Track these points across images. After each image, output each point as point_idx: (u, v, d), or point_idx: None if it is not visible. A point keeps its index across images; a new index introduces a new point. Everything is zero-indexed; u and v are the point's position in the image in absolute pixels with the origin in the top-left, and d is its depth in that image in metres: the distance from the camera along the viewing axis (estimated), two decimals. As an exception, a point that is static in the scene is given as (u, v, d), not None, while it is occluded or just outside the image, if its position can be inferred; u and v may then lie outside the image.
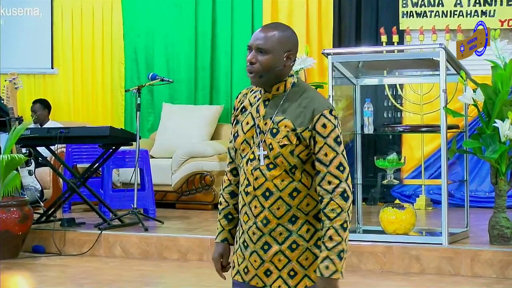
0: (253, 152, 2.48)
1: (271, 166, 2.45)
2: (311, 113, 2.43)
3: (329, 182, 2.40)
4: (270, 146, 2.45)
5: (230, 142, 2.62)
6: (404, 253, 5.34)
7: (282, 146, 2.43)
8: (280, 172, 2.44)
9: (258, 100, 2.53)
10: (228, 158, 2.66)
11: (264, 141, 2.46)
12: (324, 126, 2.42)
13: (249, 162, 2.48)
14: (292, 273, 2.48)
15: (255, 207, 2.48)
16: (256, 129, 2.49)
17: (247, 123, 2.52)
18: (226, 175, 2.67)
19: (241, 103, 2.59)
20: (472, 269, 5.17)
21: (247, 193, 2.49)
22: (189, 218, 7.22)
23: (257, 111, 2.51)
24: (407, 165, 7.49)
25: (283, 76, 2.49)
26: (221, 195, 2.69)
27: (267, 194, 2.45)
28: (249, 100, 2.57)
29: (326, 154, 2.41)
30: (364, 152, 6.43)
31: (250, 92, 2.60)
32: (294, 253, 2.48)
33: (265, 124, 2.48)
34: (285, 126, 2.44)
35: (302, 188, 2.46)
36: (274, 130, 2.45)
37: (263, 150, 2.45)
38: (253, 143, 2.49)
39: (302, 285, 2.49)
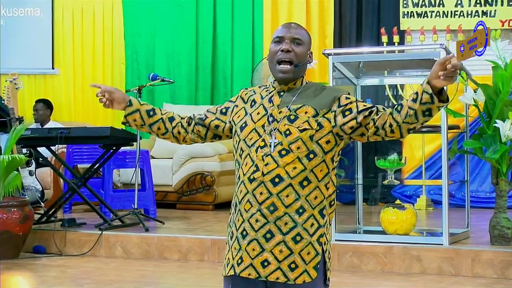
0: (263, 140, 2.49)
1: (283, 152, 2.46)
2: (331, 98, 2.53)
3: (383, 108, 2.47)
4: (287, 132, 2.48)
5: (209, 112, 2.69)
6: (404, 253, 5.34)
7: (302, 131, 2.47)
8: (293, 158, 2.46)
9: (270, 93, 2.59)
10: (198, 114, 2.71)
11: (277, 129, 2.49)
12: (347, 98, 2.53)
13: (259, 149, 2.49)
14: (293, 265, 2.46)
15: (261, 193, 2.46)
16: (268, 118, 2.52)
17: (258, 113, 2.55)
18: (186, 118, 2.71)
19: (250, 96, 2.62)
20: (472, 270, 5.17)
21: (252, 180, 2.47)
22: (189, 218, 7.22)
23: (270, 101, 2.56)
24: (407, 166, 7.50)
25: (303, 72, 2.59)
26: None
27: (277, 180, 2.45)
28: (260, 95, 2.61)
29: (364, 105, 2.50)
30: (365, 152, 6.43)
31: (259, 87, 2.66)
32: (298, 245, 2.46)
33: (280, 112, 2.52)
34: (306, 113, 2.50)
35: (313, 179, 2.47)
36: (292, 117, 2.50)
37: (275, 138, 2.48)
38: (264, 131, 2.51)
39: (301, 280, 2.47)
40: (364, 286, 5.05)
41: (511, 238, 5.31)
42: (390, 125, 2.42)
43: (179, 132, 2.69)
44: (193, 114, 2.72)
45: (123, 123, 2.71)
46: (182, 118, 2.70)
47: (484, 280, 5.06)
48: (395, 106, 2.43)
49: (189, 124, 2.69)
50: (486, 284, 4.96)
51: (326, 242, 2.54)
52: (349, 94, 2.56)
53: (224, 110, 2.66)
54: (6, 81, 7.40)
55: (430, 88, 2.35)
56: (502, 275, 5.10)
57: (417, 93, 2.37)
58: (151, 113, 2.67)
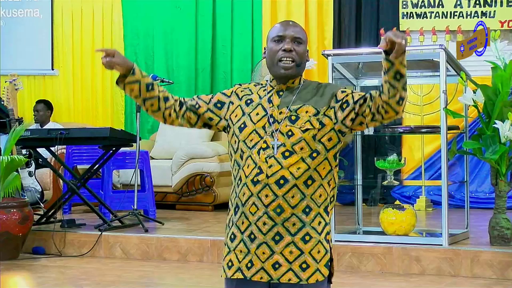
0: (265, 142, 2.48)
1: (286, 154, 2.45)
2: (330, 95, 2.52)
3: (376, 92, 2.45)
4: (289, 133, 2.46)
5: (201, 99, 2.64)
6: (404, 254, 5.34)
7: (304, 131, 2.46)
8: (297, 159, 2.45)
9: (268, 92, 2.57)
10: (189, 99, 2.65)
11: (279, 130, 2.48)
12: (343, 92, 2.52)
13: (261, 151, 2.47)
14: (304, 265, 2.45)
15: (266, 196, 2.44)
16: (268, 119, 2.50)
17: (257, 114, 2.53)
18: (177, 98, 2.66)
19: (245, 95, 2.59)
20: (472, 270, 5.17)
21: (256, 182, 2.46)
22: (189, 219, 7.22)
23: (270, 102, 2.54)
24: (407, 166, 7.50)
25: (302, 71, 2.57)
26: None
27: (282, 182, 2.44)
28: (257, 94, 2.58)
29: (359, 94, 2.49)
30: (364, 153, 6.44)
31: (255, 86, 2.63)
32: (307, 245, 2.46)
33: (280, 113, 2.51)
34: (306, 112, 2.49)
35: (317, 177, 2.46)
36: (293, 117, 2.49)
37: (278, 140, 2.46)
38: (265, 132, 2.49)
39: (314, 279, 2.46)
40: (363, 287, 5.05)
41: (511, 238, 5.31)
42: (382, 107, 2.41)
43: (169, 115, 2.63)
44: (183, 99, 2.66)
45: (117, 83, 2.60)
46: (175, 100, 2.64)
47: (483, 281, 5.06)
48: (379, 89, 2.42)
49: (180, 108, 2.63)
50: (485, 285, 4.96)
51: (331, 239, 2.55)
52: (345, 88, 2.54)
53: (219, 105, 2.62)
54: (5, 82, 7.41)
55: (384, 54, 2.32)
56: (502, 275, 5.10)
57: (383, 67, 2.37)
58: (150, 87, 2.59)
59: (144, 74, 2.60)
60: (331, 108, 2.49)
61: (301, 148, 2.45)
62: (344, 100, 2.49)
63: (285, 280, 2.46)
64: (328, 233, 2.51)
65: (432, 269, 5.26)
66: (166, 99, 2.62)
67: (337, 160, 2.54)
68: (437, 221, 6.09)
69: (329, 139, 2.49)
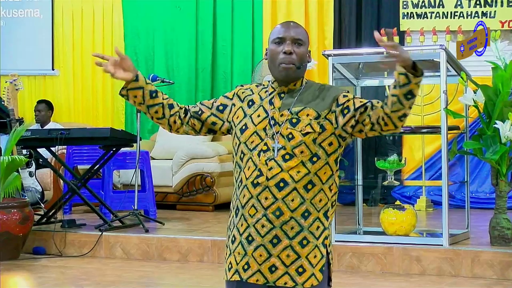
0: (265, 144, 2.47)
1: (287, 157, 2.45)
2: (331, 98, 2.50)
3: (378, 102, 2.45)
4: (290, 136, 2.46)
5: (204, 105, 2.63)
6: (404, 254, 5.34)
7: (305, 134, 2.45)
8: (297, 163, 2.44)
9: (270, 94, 2.55)
10: (193, 106, 2.65)
11: (280, 132, 2.47)
12: (345, 96, 2.51)
13: (261, 153, 2.46)
14: (300, 269, 2.45)
15: (266, 198, 2.44)
16: (269, 121, 2.49)
17: (258, 116, 2.52)
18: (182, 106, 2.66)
19: (247, 96, 2.58)
20: (472, 270, 5.17)
21: (256, 185, 2.45)
22: (189, 219, 7.22)
23: (271, 104, 2.53)
24: (407, 166, 7.50)
25: (303, 73, 2.56)
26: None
27: (282, 184, 2.43)
28: (259, 95, 2.57)
29: (361, 101, 2.48)
30: (365, 153, 6.43)
31: (256, 87, 2.61)
32: (305, 249, 2.45)
33: (281, 115, 2.49)
34: (307, 115, 2.48)
35: (317, 182, 2.46)
36: (294, 120, 2.48)
37: (278, 143, 2.45)
38: (266, 135, 2.48)
39: (309, 284, 2.46)
40: (363, 287, 5.05)
41: (511, 238, 5.31)
42: (382, 119, 2.41)
43: (174, 122, 2.64)
44: (188, 106, 2.67)
45: (121, 94, 2.61)
46: (180, 108, 2.65)
47: (483, 281, 5.06)
48: (384, 100, 2.43)
49: (185, 116, 2.64)
50: (486, 285, 4.96)
51: (330, 244, 2.55)
52: (347, 92, 2.53)
53: (221, 108, 2.61)
54: (6, 82, 7.40)
55: (403, 68, 2.35)
56: (502, 275, 5.10)
57: (395, 80, 2.38)
58: (154, 94, 2.61)
59: (148, 82, 2.62)
60: (332, 112, 2.49)
61: (301, 152, 2.45)
62: (345, 105, 2.48)
63: (281, 284, 2.46)
64: (326, 238, 2.51)
65: (433, 269, 5.26)
66: (170, 106, 2.63)
67: (338, 165, 2.53)
68: (437, 221, 6.09)
69: (330, 144, 2.48)
